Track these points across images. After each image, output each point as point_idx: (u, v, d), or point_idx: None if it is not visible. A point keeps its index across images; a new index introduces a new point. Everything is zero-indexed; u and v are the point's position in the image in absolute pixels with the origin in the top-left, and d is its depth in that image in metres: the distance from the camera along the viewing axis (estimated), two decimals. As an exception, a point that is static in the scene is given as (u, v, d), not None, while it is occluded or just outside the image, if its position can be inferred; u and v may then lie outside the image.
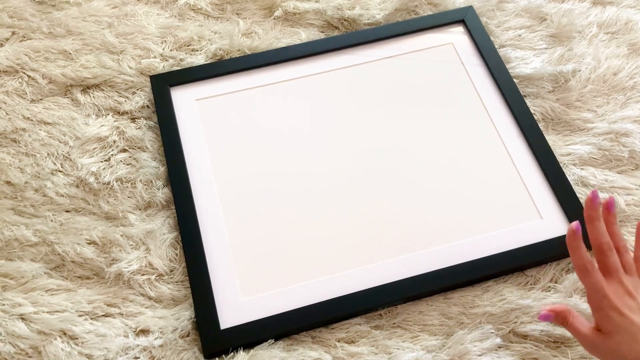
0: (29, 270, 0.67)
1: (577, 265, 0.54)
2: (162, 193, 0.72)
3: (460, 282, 0.66)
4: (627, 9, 0.88)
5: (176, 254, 0.69)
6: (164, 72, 0.81)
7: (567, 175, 0.72)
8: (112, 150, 0.76)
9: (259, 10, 0.89)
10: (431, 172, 0.73)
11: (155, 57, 0.83)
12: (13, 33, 0.85)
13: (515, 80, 0.80)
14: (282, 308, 0.64)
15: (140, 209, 0.72)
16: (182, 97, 0.79)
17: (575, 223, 0.55)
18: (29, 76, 0.81)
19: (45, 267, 0.68)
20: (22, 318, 0.64)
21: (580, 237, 0.55)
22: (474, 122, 0.77)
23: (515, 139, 0.75)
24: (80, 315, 0.65)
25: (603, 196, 0.71)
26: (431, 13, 0.87)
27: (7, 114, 0.78)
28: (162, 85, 0.79)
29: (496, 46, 0.83)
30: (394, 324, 0.65)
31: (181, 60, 0.83)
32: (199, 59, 0.83)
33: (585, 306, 0.64)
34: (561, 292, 0.66)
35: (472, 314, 0.65)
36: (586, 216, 0.56)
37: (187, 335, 0.64)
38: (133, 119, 0.78)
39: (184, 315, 0.65)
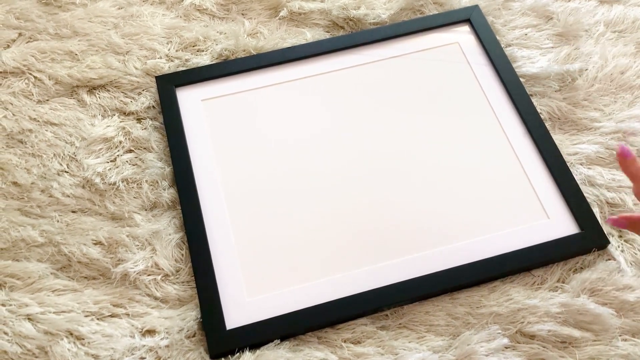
0: (36, 271, 0.68)
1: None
2: (168, 193, 0.72)
3: (466, 282, 0.66)
4: (634, 7, 0.87)
5: (182, 254, 0.69)
6: (170, 72, 0.81)
7: (574, 175, 0.72)
8: (118, 150, 0.76)
9: (264, 11, 0.89)
10: (437, 171, 0.73)
11: (160, 57, 0.83)
12: (20, 34, 0.86)
13: (521, 79, 0.79)
14: (288, 308, 0.64)
15: (146, 210, 0.72)
16: (187, 98, 0.79)
17: (621, 147, 0.53)
18: (35, 77, 0.82)
19: (51, 268, 0.68)
20: (28, 318, 0.64)
21: (632, 155, 0.53)
22: (480, 122, 0.77)
23: (522, 139, 0.75)
24: (86, 316, 0.65)
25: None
26: (437, 12, 0.87)
27: (13, 114, 0.79)
28: (168, 86, 0.79)
29: (502, 45, 0.83)
30: (400, 324, 0.65)
31: (187, 60, 0.83)
32: (204, 60, 0.83)
33: (592, 306, 0.63)
34: (568, 292, 0.65)
35: (478, 314, 0.65)
36: (626, 170, 0.54)
37: (193, 336, 0.64)
38: (139, 120, 0.79)
39: (190, 315, 0.65)
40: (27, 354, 0.63)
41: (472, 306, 0.65)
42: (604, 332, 0.63)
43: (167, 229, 0.70)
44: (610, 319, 0.63)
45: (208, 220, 0.70)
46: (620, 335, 0.63)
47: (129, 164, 0.75)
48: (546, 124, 0.76)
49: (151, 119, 0.78)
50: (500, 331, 0.63)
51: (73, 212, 0.72)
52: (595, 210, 0.70)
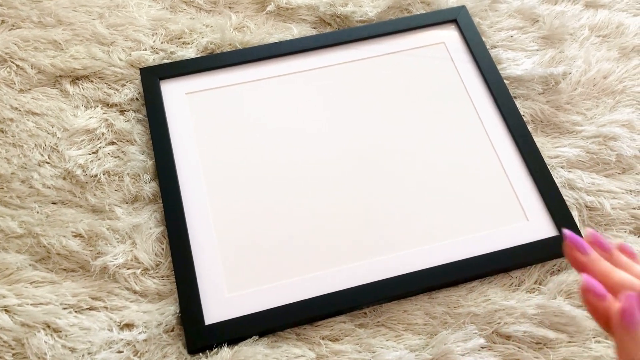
0: (14, 262, 0.67)
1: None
2: (150, 187, 0.72)
3: (445, 282, 0.66)
4: (619, 13, 0.88)
5: (162, 249, 0.69)
6: (154, 64, 0.81)
7: (554, 178, 0.73)
8: (100, 142, 0.75)
9: (252, 5, 0.88)
10: (419, 171, 0.73)
11: (145, 49, 0.82)
12: (2, 21, 0.84)
13: (505, 81, 0.80)
14: (267, 305, 0.65)
15: (127, 203, 0.71)
16: (172, 91, 0.78)
17: (568, 232, 0.42)
18: (17, 66, 0.81)
19: (30, 259, 0.68)
20: (5, 310, 0.64)
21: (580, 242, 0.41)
22: (463, 123, 0.77)
23: (504, 140, 0.75)
24: (64, 308, 0.65)
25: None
26: (424, 12, 0.87)
27: (-6, 103, 0.78)
28: (152, 78, 0.79)
29: (488, 46, 0.83)
30: (378, 322, 0.65)
31: (172, 53, 0.82)
32: (189, 52, 0.82)
33: (568, 308, 0.64)
34: (545, 294, 0.66)
35: (456, 314, 0.65)
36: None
37: (172, 330, 0.64)
38: (122, 112, 0.78)
39: (169, 310, 0.65)
40: (3, 345, 0.62)
41: (450, 306, 0.66)
42: (579, 334, 0.64)
43: (147, 222, 0.70)
44: (585, 321, 0.64)
45: (189, 215, 0.70)
46: (594, 337, 0.64)
47: (111, 156, 0.74)
48: (529, 127, 0.77)
49: (134, 111, 0.78)
50: (476, 331, 0.64)
51: (53, 203, 0.71)
52: (574, 214, 0.71)
